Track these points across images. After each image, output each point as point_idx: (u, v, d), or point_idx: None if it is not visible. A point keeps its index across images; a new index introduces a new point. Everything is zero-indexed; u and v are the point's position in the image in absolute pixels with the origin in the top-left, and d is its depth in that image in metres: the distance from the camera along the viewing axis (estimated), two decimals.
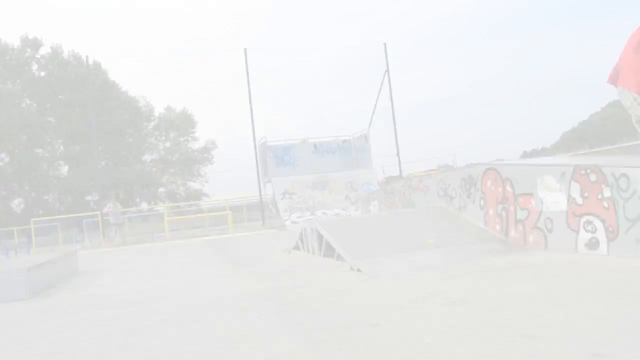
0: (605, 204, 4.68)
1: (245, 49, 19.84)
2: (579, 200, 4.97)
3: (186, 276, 7.01)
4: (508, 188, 5.98)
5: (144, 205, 46.33)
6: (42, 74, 42.29)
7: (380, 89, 20.73)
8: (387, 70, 21.04)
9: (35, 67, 42.38)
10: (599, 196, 4.75)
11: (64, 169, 42.35)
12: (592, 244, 4.83)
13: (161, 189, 47.49)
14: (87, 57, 22.98)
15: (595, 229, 4.80)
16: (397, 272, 5.23)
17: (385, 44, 21.30)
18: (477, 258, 5.54)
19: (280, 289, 5.05)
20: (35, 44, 41.94)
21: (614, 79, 5.06)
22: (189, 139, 47.65)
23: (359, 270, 5.48)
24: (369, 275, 5.24)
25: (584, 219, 4.94)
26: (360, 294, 4.46)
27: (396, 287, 4.59)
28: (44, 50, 42.18)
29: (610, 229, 4.65)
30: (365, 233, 6.61)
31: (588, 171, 4.86)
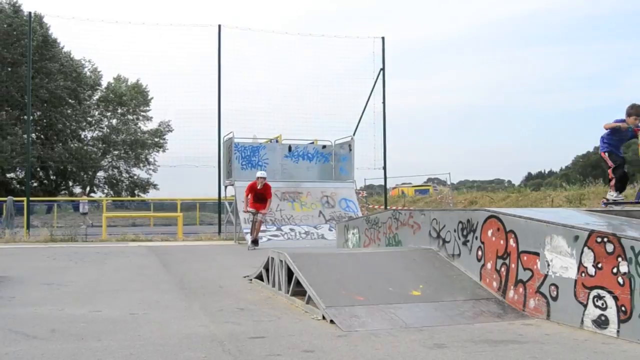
0: (621, 280, 4.81)
1: (219, 26, 19.75)
2: (591, 271, 5.10)
3: (122, 302, 6.91)
4: (511, 242, 6.09)
5: (77, 191, 45.67)
6: None
7: (372, 90, 20.86)
8: (383, 68, 21.18)
9: None
10: (614, 270, 4.88)
11: None
12: (601, 322, 4.96)
13: (100, 174, 46.87)
14: (30, 13, 22.49)
15: (606, 306, 4.93)
16: (376, 330, 5.30)
17: (383, 38, 21.46)
18: (470, 321, 5.63)
19: (238, 337, 5.05)
20: None
21: None
22: (140, 117, 47.18)
23: (332, 322, 5.52)
24: (343, 330, 5.29)
25: (594, 292, 5.07)
26: (332, 356, 4.49)
27: (373, 352, 4.62)
28: None
29: (623, 308, 4.78)
30: (343, 273, 6.66)
31: (605, 240, 4.99)
